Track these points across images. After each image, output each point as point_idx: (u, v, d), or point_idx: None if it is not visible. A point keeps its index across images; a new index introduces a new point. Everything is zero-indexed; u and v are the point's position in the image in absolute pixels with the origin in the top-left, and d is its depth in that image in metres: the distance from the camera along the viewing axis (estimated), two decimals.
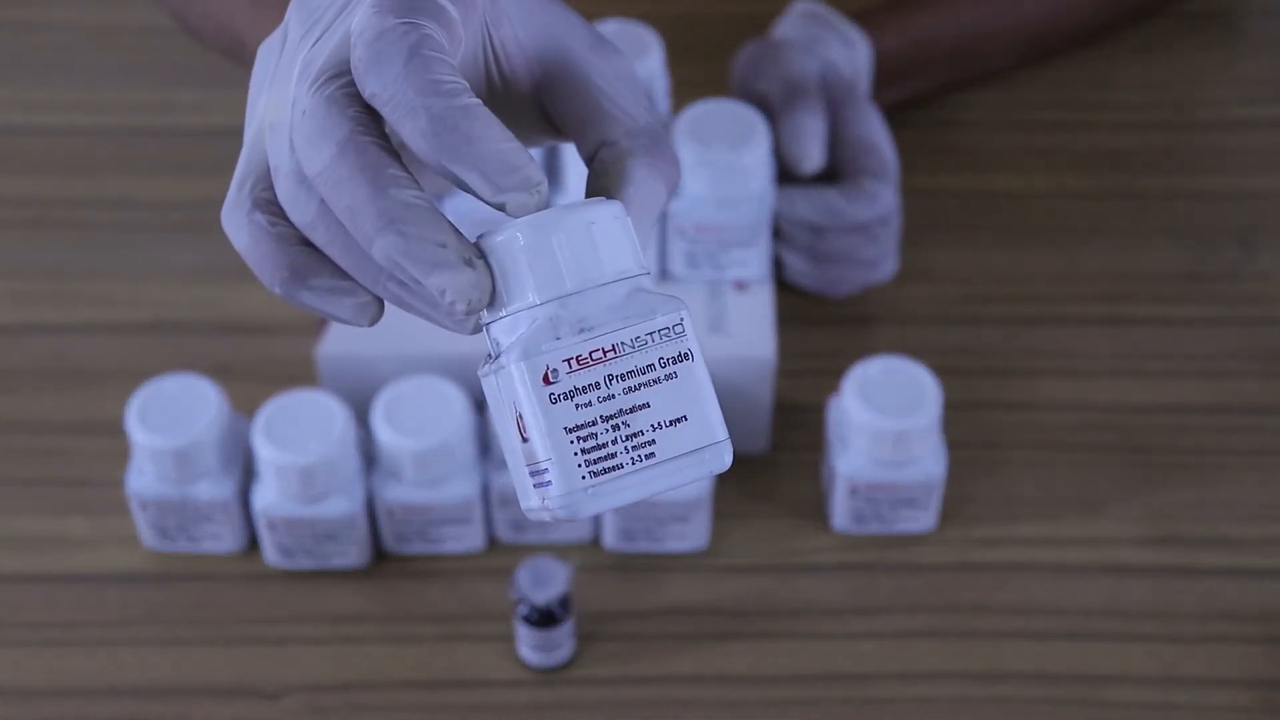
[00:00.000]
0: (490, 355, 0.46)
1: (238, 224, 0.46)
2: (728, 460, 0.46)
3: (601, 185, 0.47)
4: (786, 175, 0.91)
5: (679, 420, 0.45)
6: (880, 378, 0.81)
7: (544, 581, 0.76)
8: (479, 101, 0.44)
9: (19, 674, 0.79)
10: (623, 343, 0.45)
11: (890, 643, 0.80)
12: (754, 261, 0.87)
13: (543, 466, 0.45)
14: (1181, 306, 0.93)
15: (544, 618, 0.76)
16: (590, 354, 0.45)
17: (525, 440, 0.45)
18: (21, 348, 0.91)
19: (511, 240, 0.44)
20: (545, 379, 0.44)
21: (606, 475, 0.45)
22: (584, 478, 0.44)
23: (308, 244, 0.46)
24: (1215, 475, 0.86)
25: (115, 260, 0.95)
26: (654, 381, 0.45)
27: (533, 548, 0.82)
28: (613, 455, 0.45)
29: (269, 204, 0.46)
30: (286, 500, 0.79)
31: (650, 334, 0.45)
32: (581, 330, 0.44)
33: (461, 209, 0.80)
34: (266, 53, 0.48)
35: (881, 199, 0.88)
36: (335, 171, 0.44)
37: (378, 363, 0.83)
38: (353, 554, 0.81)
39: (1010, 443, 0.87)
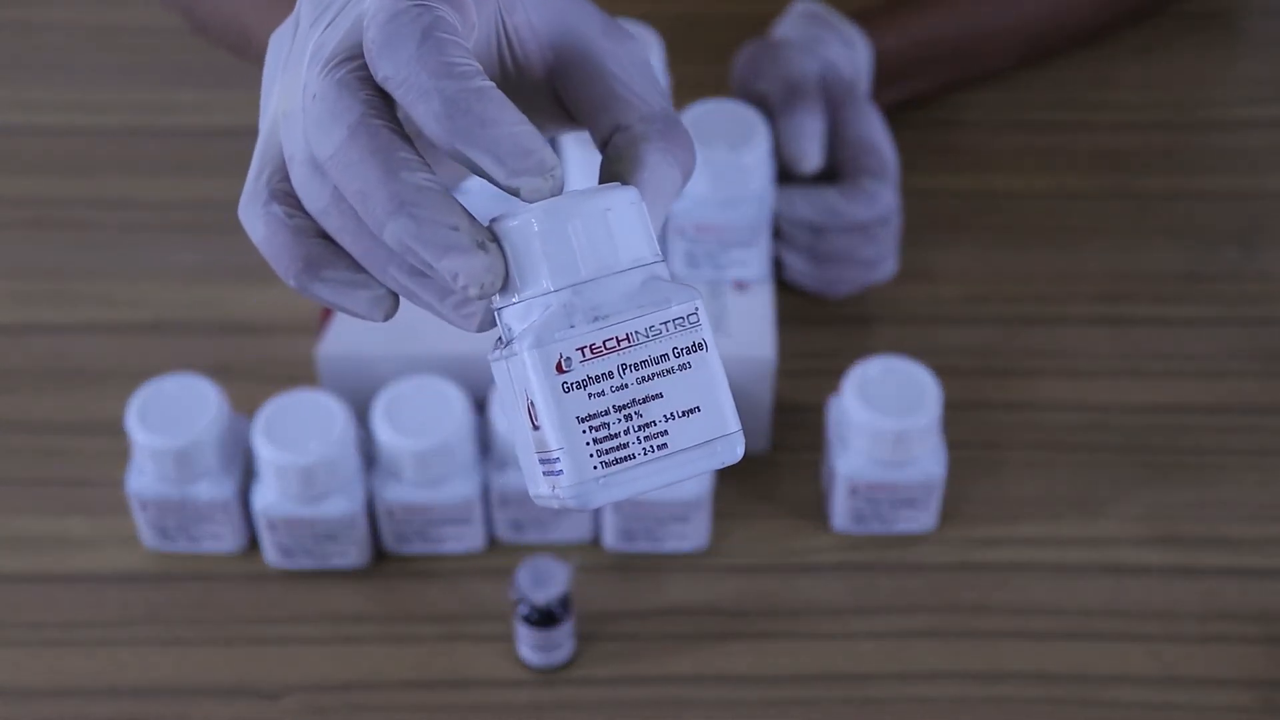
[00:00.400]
0: (501, 340, 0.45)
1: (254, 215, 0.46)
2: (739, 452, 0.45)
3: (615, 170, 0.47)
4: (786, 175, 0.91)
5: (692, 411, 0.45)
6: (880, 378, 0.81)
7: (544, 581, 0.76)
8: (492, 84, 0.43)
9: (19, 674, 0.79)
10: (637, 331, 0.44)
11: (890, 643, 0.80)
12: (754, 261, 0.87)
13: (554, 455, 0.44)
14: (1181, 306, 0.93)
15: (544, 618, 0.76)
16: (604, 343, 0.44)
17: (536, 428, 0.44)
18: (22, 348, 0.91)
19: (526, 225, 0.44)
20: (558, 367, 0.44)
21: (618, 465, 0.44)
22: (595, 468, 0.44)
23: (324, 236, 0.46)
24: (1215, 475, 0.86)
25: (115, 260, 0.95)
26: (667, 371, 0.45)
27: (533, 548, 0.82)
28: (625, 445, 0.44)
29: (286, 195, 0.46)
30: (286, 500, 0.79)
31: (665, 323, 0.45)
32: (596, 318, 0.44)
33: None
34: (278, 42, 0.48)
35: (881, 199, 0.88)
36: (346, 155, 0.43)
37: (378, 363, 0.83)
38: (353, 554, 0.81)
39: (1010, 443, 0.87)
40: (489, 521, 0.82)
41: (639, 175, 0.46)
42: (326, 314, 0.85)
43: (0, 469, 0.86)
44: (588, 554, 0.82)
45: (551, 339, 0.44)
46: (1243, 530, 0.84)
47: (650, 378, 0.44)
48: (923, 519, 0.83)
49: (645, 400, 0.44)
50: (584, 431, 0.44)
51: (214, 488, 0.80)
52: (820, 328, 0.91)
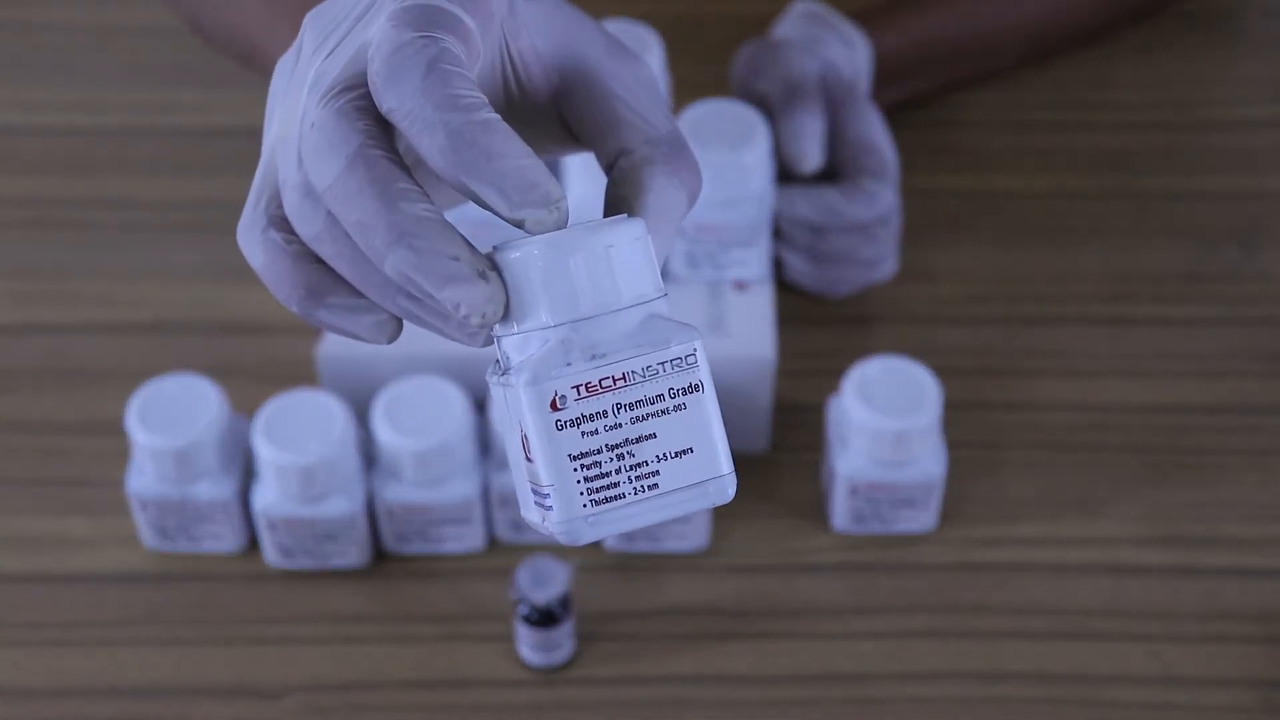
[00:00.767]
0: (499, 365, 0.45)
1: (253, 242, 0.46)
2: (730, 493, 0.45)
3: (620, 194, 0.46)
4: (786, 175, 0.91)
5: (684, 452, 0.45)
6: (880, 378, 0.81)
7: (544, 581, 0.76)
8: (498, 116, 0.43)
9: (19, 674, 0.79)
10: (633, 371, 0.44)
11: (890, 643, 0.80)
12: (754, 261, 0.87)
13: (545, 491, 0.44)
14: (1181, 306, 0.93)
15: (544, 618, 0.76)
16: (600, 381, 0.44)
17: (529, 460, 0.44)
18: (22, 348, 0.91)
19: (528, 258, 0.44)
20: (553, 405, 0.44)
21: (608, 505, 0.44)
22: (585, 505, 0.44)
23: (323, 262, 0.45)
24: (1215, 475, 0.86)
25: (115, 260, 0.95)
26: (662, 412, 0.45)
27: (533, 548, 0.82)
28: (615, 485, 0.44)
29: (284, 221, 0.45)
30: (286, 500, 0.79)
31: (662, 364, 0.44)
32: (593, 356, 0.44)
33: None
34: (282, 69, 0.48)
35: (881, 199, 0.88)
36: (344, 185, 0.43)
37: (378, 363, 0.83)
38: (353, 554, 0.81)
39: (1010, 443, 0.87)
40: (489, 521, 0.82)
41: (644, 200, 0.46)
42: None
43: (0, 469, 0.86)
44: (588, 554, 0.82)
45: (548, 376, 0.44)
46: (1243, 530, 0.84)
47: (645, 418, 0.44)
48: (923, 519, 0.83)
49: (638, 440, 0.44)
50: (575, 469, 0.44)
51: (214, 488, 0.80)
52: (820, 328, 0.91)
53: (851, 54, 0.93)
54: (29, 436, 0.88)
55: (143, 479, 0.80)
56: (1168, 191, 0.99)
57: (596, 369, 0.44)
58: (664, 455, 0.45)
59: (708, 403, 0.45)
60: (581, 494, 0.44)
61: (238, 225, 0.46)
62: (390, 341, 0.46)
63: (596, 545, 0.83)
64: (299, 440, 0.78)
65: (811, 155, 0.88)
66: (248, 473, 0.81)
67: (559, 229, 0.44)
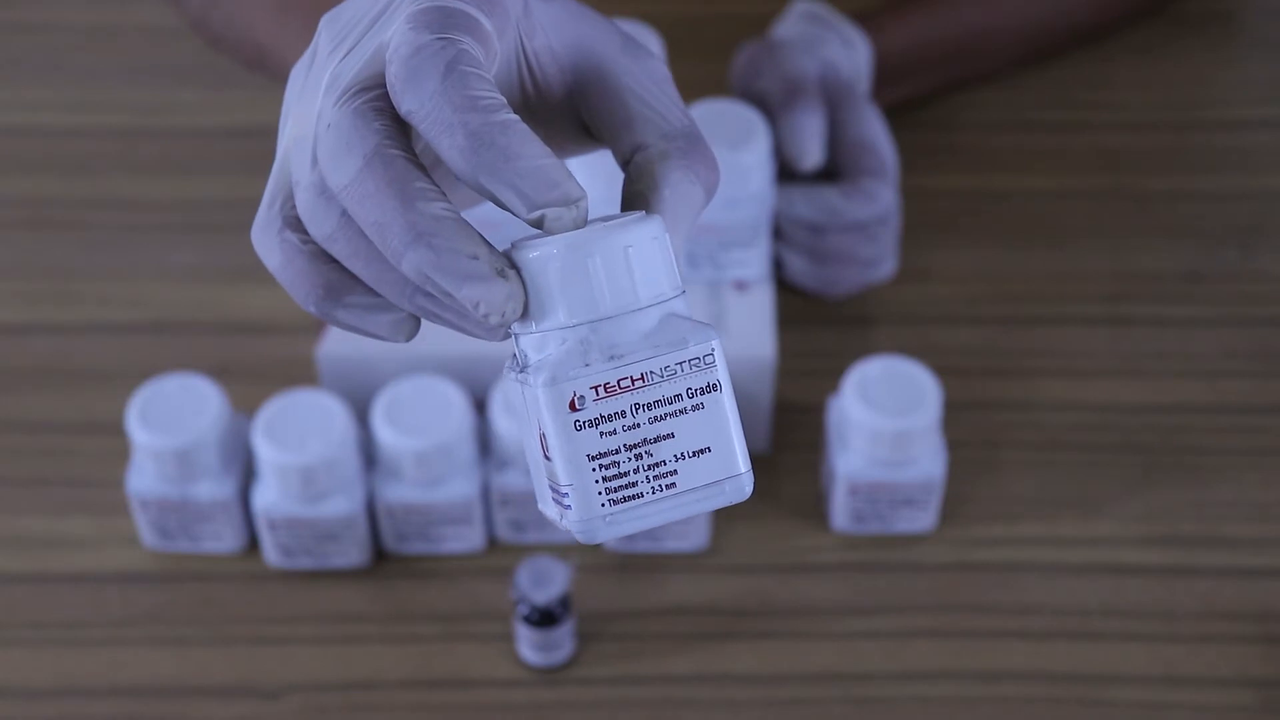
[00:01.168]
0: (516, 361, 0.45)
1: (269, 244, 0.46)
2: (748, 491, 0.45)
3: (637, 189, 0.46)
4: (787, 174, 0.91)
5: (702, 451, 0.45)
6: (880, 378, 0.81)
7: (544, 581, 0.76)
8: (517, 117, 0.43)
9: (19, 674, 0.79)
10: (652, 372, 0.44)
11: (890, 643, 0.80)
12: (754, 261, 0.87)
13: (564, 490, 0.44)
14: (1181, 306, 0.93)
15: (544, 618, 0.76)
16: (618, 382, 0.44)
17: (548, 459, 0.45)
18: (22, 347, 0.91)
19: (546, 258, 0.44)
20: (571, 405, 0.44)
21: (626, 504, 0.44)
22: (603, 505, 0.44)
23: (338, 262, 0.46)
24: (1215, 475, 0.86)
25: (115, 260, 0.95)
26: (680, 412, 0.45)
27: (533, 548, 0.82)
28: (633, 484, 0.44)
29: (299, 221, 0.45)
30: (287, 500, 0.79)
31: (680, 364, 0.45)
32: (611, 357, 0.44)
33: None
34: (297, 73, 0.48)
35: (880, 198, 0.88)
36: (362, 185, 0.43)
37: (378, 363, 0.83)
38: (353, 554, 0.81)
39: (1010, 443, 0.87)
40: (489, 521, 0.82)
41: (660, 194, 0.46)
42: None
43: (0, 469, 0.86)
44: (588, 554, 0.82)
45: (566, 377, 0.44)
46: (1242, 530, 0.84)
47: (662, 418, 0.45)
48: (923, 519, 0.83)
49: (656, 440, 0.45)
50: (594, 470, 0.44)
51: (214, 487, 0.80)
52: (820, 328, 0.91)
53: (851, 54, 0.93)
54: (29, 436, 0.88)
55: (143, 479, 0.80)
56: (1168, 191, 0.99)
57: (615, 370, 0.44)
58: (682, 455, 0.45)
59: (725, 401, 0.45)
60: (600, 494, 0.44)
61: (252, 226, 0.46)
62: (409, 339, 0.46)
63: (596, 545, 0.83)
64: (299, 440, 0.78)
65: (812, 153, 0.88)
66: (248, 473, 0.81)
67: (578, 228, 0.44)
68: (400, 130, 0.44)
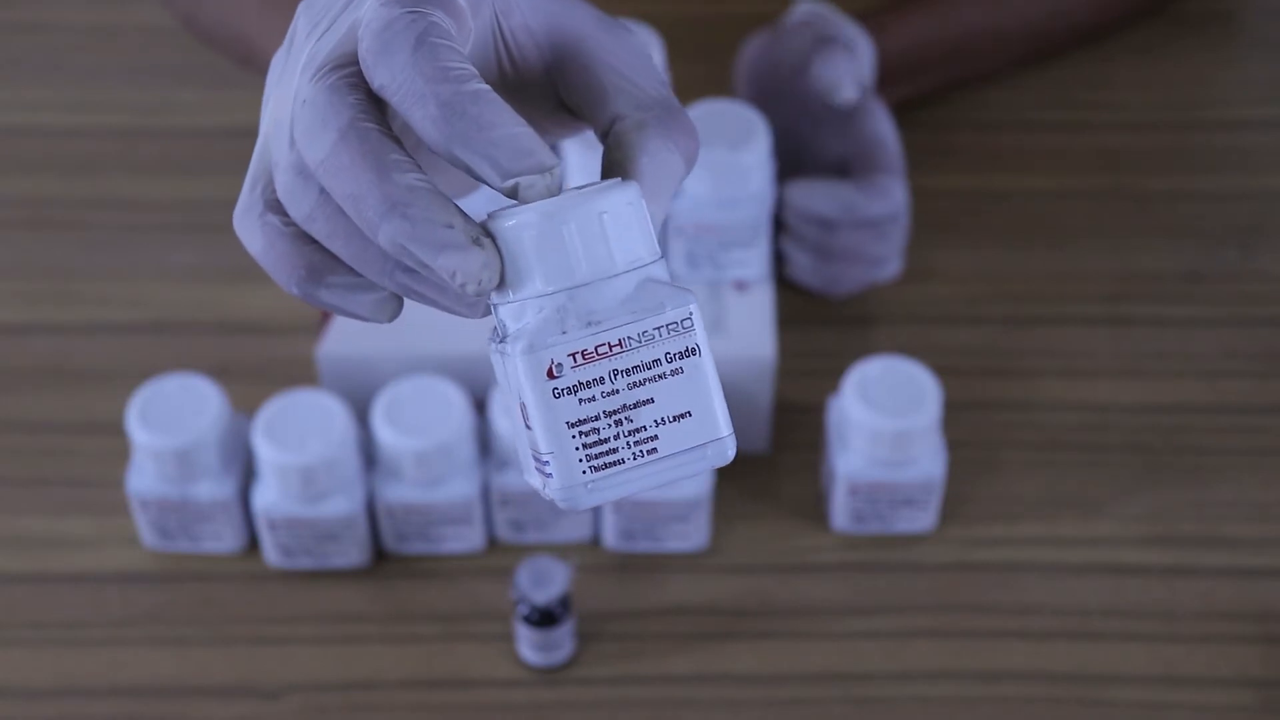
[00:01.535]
0: (496, 333, 0.46)
1: (251, 227, 0.46)
2: (730, 454, 0.45)
3: (615, 159, 0.46)
4: (788, 172, 0.91)
5: (683, 416, 0.45)
6: (880, 378, 0.81)
7: (544, 581, 0.76)
8: (488, 87, 0.43)
9: (19, 674, 0.79)
10: (629, 337, 0.44)
11: (890, 643, 0.80)
12: (754, 261, 0.87)
13: (545, 458, 0.44)
14: (1181, 306, 0.93)
15: (544, 618, 0.76)
16: (596, 348, 0.44)
17: (529, 428, 0.45)
18: (22, 348, 0.91)
19: (521, 226, 0.43)
20: (549, 373, 0.44)
21: (607, 470, 0.44)
22: (584, 472, 0.44)
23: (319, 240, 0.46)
24: (1215, 475, 0.86)
25: (115, 260, 0.95)
26: (659, 377, 0.45)
27: (533, 548, 0.82)
28: (614, 450, 0.44)
29: (280, 204, 0.46)
30: (287, 500, 0.79)
31: (658, 328, 0.44)
32: (589, 324, 0.44)
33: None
34: (277, 59, 0.48)
35: (895, 195, 0.88)
36: (337, 159, 0.43)
37: (378, 363, 0.83)
38: (353, 554, 0.81)
39: (1010, 443, 0.87)
40: (489, 521, 0.82)
41: (638, 163, 0.46)
42: (327, 314, 0.85)
43: (0, 469, 0.86)
44: (588, 554, 0.82)
45: (544, 344, 0.44)
46: (1242, 530, 0.84)
47: (642, 383, 0.44)
48: (923, 519, 0.83)
49: (636, 405, 0.44)
50: (574, 436, 0.44)
51: (214, 487, 0.80)
52: (820, 328, 0.91)
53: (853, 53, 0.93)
54: (29, 436, 0.88)
55: (143, 479, 0.80)
56: (1168, 191, 0.99)
57: (592, 335, 0.44)
58: (662, 420, 0.45)
59: (705, 365, 0.45)
60: (580, 460, 0.44)
61: (234, 211, 0.46)
62: (391, 319, 0.46)
63: (596, 545, 0.83)
64: (299, 440, 0.78)
65: (847, 86, 0.88)
66: (248, 472, 0.81)
67: (553, 196, 0.44)
68: (375, 105, 0.44)
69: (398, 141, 0.44)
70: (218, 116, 1.02)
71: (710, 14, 1.06)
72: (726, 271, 0.87)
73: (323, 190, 0.44)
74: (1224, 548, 0.83)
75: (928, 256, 0.94)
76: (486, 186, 0.44)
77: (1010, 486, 0.85)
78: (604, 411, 0.44)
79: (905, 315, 0.92)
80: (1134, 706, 0.77)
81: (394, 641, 0.80)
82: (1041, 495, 0.85)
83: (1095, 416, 0.88)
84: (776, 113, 0.92)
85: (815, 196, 0.88)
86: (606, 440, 0.44)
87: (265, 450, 0.78)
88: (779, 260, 0.91)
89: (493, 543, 0.83)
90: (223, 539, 0.82)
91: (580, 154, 0.85)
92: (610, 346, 0.44)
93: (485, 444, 0.81)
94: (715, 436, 0.45)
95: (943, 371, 0.84)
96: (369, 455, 0.81)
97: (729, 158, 0.85)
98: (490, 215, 0.45)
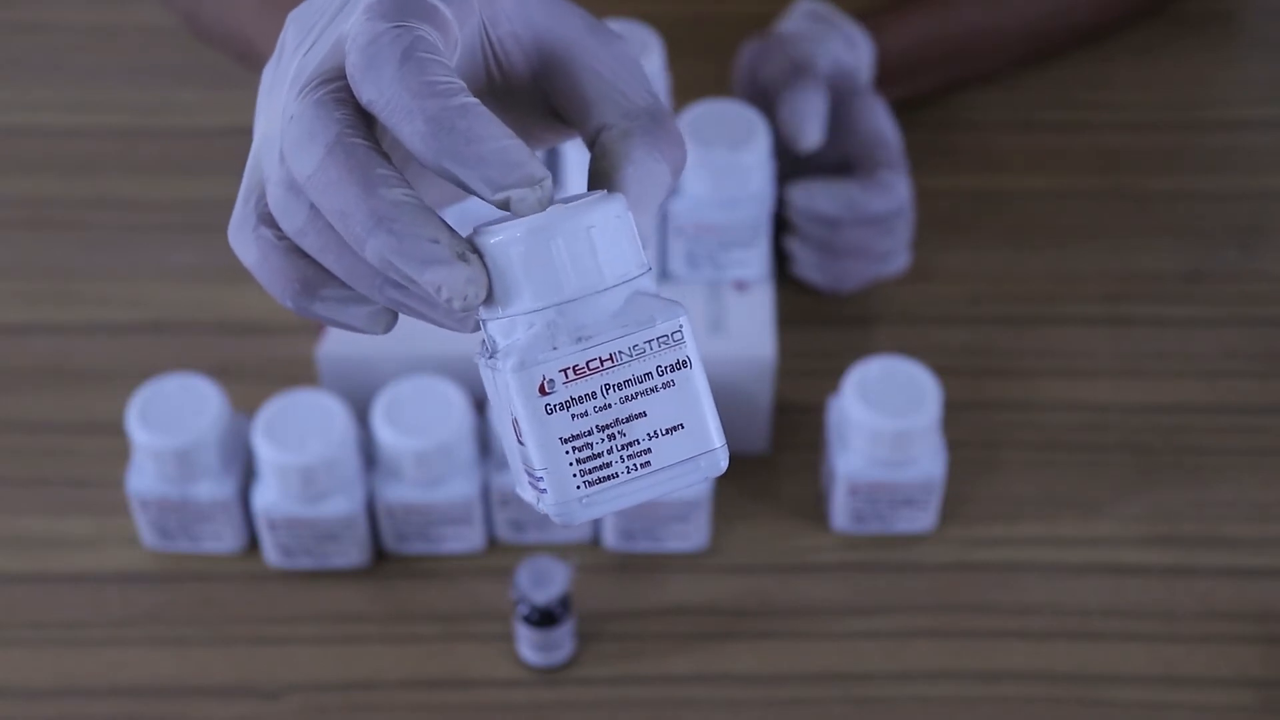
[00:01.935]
0: (485, 347, 0.45)
1: (245, 241, 0.46)
2: (723, 465, 0.45)
3: (601, 168, 0.46)
4: (793, 170, 0.91)
5: (675, 428, 0.45)
6: (880, 378, 0.81)
7: (544, 581, 0.76)
8: (476, 100, 0.43)
9: (19, 674, 0.79)
10: (620, 351, 0.44)
11: (890, 643, 0.80)
12: (754, 261, 0.87)
13: (538, 474, 0.44)
14: (1181, 306, 0.93)
15: (544, 618, 0.76)
16: (587, 363, 0.44)
17: (521, 444, 0.45)
18: (22, 348, 0.91)
19: (508, 242, 0.43)
20: (541, 389, 0.44)
21: (601, 484, 0.44)
22: (579, 487, 0.44)
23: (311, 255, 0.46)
24: (1215, 475, 0.86)
25: (115, 260, 0.95)
26: (651, 390, 0.45)
27: (533, 548, 0.82)
28: (608, 465, 0.44)
29: (273, 218, 0.46)
30: (287, 500, 0.79)
31: (649, 342, 0.44)
32: (579, 339, 0.44)
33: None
34: (266, 72, 0.48)
35: (898, 190, 0.88)
36: (324, 174, 0.43)
37: (378, 363, 0.83)
38: (353, 554, 0.81)
39: (1010, 443, 0.87)
40: (489, 521, 0.82)
41: (624, 172, 0.46)
42: None
43: (0, 469, 0.86)
44: (588, 554, 0.82)
45: (535, 361, 0.44)
46: (1242, 530, 0.84)
47: (634, 396, 0.44)
48: (923, 519, 0.83)
49: (629, 419, 0.44)
50: (567, 452, 0.44)
51: (214, 487, 0.80)
52: (820, 328, 0.91)
53: (854, 52, 0.93)
54: (29, 436, 0.88)
55: (143, 479, 0.80)
56: (1168, 191, 0.99)
57: (583, 351, 0.44)
58: (655, 433, 0.45)
59: (696, 378, 0.45)
60: (574, 475, 0.44)
61: (229, 225, 0.46)
62: (386, 331, 0.46)
63: (596, 545, 0.83)
64: (299, 440, 0.78)
65: (810, 133, 0.87)
66: (248, 473, 0.81)
67: (544, 208, 0.43)
68: (362, 120, 0.44)
69: (385, 156, 0.44)
70: (218, 116, 1.02)
71: (710, 14, 1.06)
72: (726, 271, 0.87)
73: (313, 205, 0.44)
74: (1224, 548, 0.83)
75: (928, 256, 0.94)
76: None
77: (1010, 486, 0.85)
78: (597, 426, 0.44)
79: (905, 315, 0.92)
80: (1134, 706, 0.77)
81: (394, 641, 0.80)
82: (1041, 495, 0.85)
83: (1095, 416, 0.88)
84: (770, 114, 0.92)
85: (818, 196, 0.88)
86: (600, 455, 0.44)
87: (265, 450, 0.78)
88: (785, 259, 0.91)
89: (493, 543, 0.83)
90: (223, 539, 0.82)
91: (582, 152, 0.85)
92: (601, 361, 0.44)
93: (485, 444, 0.81)
94: (708, 448, 0.45)
95: (943, 371, 0.84)
96: (369, 455, 0.81)
97: (729, 158, 0.85)
98: (476, 230, 0.44)
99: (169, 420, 0.79)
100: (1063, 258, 0.95)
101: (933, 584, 0.82)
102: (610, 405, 0.44)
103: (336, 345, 0.84)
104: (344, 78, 0.44)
